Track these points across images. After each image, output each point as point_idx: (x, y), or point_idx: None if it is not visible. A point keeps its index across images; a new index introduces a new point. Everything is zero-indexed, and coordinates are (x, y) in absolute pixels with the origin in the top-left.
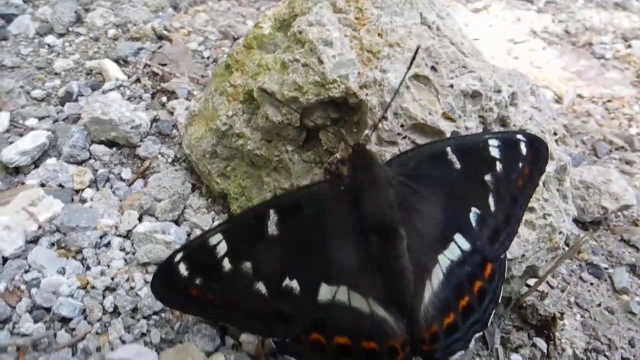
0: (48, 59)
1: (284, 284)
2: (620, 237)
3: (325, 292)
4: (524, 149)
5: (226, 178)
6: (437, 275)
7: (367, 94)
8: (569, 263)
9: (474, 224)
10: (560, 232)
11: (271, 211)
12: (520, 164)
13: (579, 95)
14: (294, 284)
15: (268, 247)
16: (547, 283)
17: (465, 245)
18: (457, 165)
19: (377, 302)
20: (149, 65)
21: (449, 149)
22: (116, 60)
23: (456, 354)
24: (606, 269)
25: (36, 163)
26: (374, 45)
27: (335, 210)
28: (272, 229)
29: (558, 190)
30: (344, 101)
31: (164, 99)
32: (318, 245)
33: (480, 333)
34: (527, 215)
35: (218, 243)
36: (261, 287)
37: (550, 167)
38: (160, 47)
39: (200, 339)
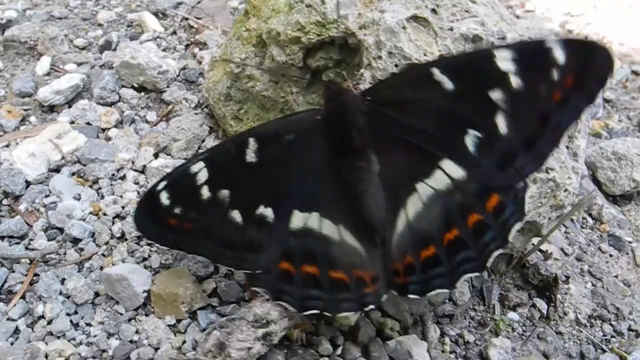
0: (93, 11)
1: (258, 212)
2: None
3: (297, 220)
4: (560, 55)
5: (239, 121)
6: (415, 204)
7: (364, 34)
8: (589, 233)
9: (471, 149)
10: (566, 190)
11: (251, 139)
12: (556, 74)
13: (634, 72)
14: (268, 212)
15: (246, 175)
16: (562, 250)
17: (457, 173)
18: (449, 86)
19: (348, 230)
20: (186, 19)
21: (435, 70)
22: (155, 13)
23: (435, 291)
24: (630, 242)
25: (70, 103)
26: None
27: (311, 139)
28: (251, 156)
29: (567, 147)
30: (345, 42)
31: (196, 50)
32: (294, 173)
33: (472, 275)
34: None
35: (199, 171)
36: (236, 215)
37: None
38: (199, 2)
39: (194, 264)
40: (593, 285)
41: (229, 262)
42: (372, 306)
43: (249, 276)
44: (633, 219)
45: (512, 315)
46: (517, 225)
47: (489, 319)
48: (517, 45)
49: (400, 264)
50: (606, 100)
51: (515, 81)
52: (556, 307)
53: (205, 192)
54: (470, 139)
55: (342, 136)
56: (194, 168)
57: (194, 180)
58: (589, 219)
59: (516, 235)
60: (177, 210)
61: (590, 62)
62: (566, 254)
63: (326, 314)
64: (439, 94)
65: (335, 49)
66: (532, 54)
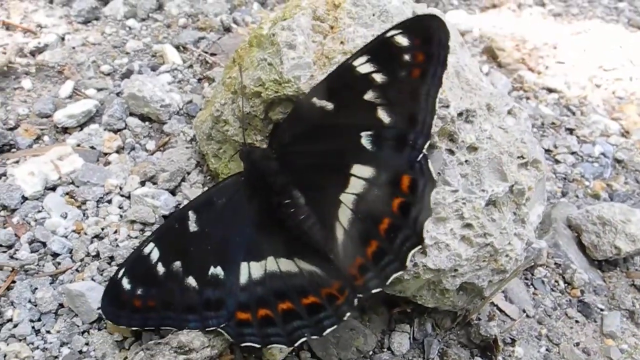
0: (124, 40)
1: (210, 273)
2: (632, 282)
3: (256, 269)
4: (403, 39)
5: (218, 159)
6: (345, 214)
7: None
8: (558, 296)
9: (369, 147)
10: (507, 255)
11: (190, 212)
12: (407, 56)
13: None
14: (218, 270)
15: (192, 243)
16: (524, 311)
17: (368, 172)
18: (329, 107)
19: (302, 259)
20: (205, 53)
21: (314, 99)
22: (177, 46)
23: (392, 276)
24: (601, 310)
25: (82, 126)
26: (331, 51)
27: (240, 197)
28: (192, 226)
29: (515, 213)
30: None
31: (206, 85)
32: (235, 230)
33: (414, 249)
34: (463, 231)
35: (151, 251)
36: (191, 281)
37: (499, 188)
38: (219, 38)
39: None
40: (547, 350)
41: (193, 325)
42: (349, 313)
43: (234, 336)
44: (612, 287)
45: None
46: (433, 192)
47: None
48: (366, 47)
49: (354, 268)
50: (617, 161)
51: (378, 77)
52: None
53: (161, 268)
54: (365, 140)
55: (264, 185)
56: (146, 250)
57: (149, 260)
58: (561, 283)
59: (459, 295)
60: (139, 292)
61: (428, 33)
62: (528, 316)
63: (314, 337)
64: (326, 116)
65: (292, 105)
66: (380, 49)
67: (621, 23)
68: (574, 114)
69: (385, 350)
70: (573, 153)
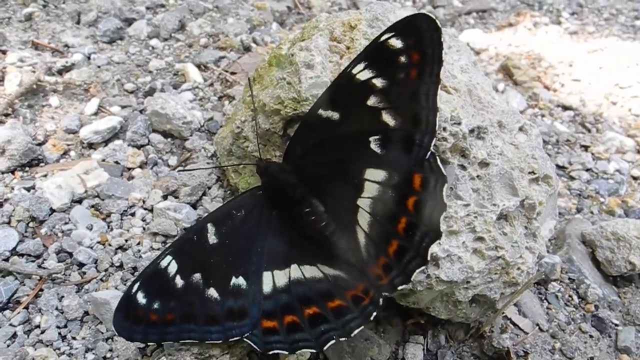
0: (147, 59)
1: (231, 284)
2: None
3: (279, 278)
4: (396, 41)
5: (238, 174)
6: (364, 217)
7: None
8: (572, 311)
9: (379, 151)
10: (519, 268)
11: (209, 224)
12: (403, 57)
13: None
14: (240, 281)
15: (212, 255)
16: (537, 325)
17: (380, 176)
18: (335, 116)
19: (326, 264)
20: (226, 71)
21: (320, 111)
22: (198, 65)
23: (415, 272)
24: (616, 325)
25: (106, 142)
26: None
27: (259, 209)
28: (212, 239)
29: (526, 227)
30: None
31: (226, 102)
32: (255, 241)
33: (434, 242)
34: (475, 244)
35: (168, 264)
36: (212, 292)
37: (510, 203)
38: (239, 57)
39: None
40: None
41: (216, 337)
42: (375, 313)
43: (261, 345)
44: (627, 302)
45: None
46: (445, 187)
47: None
48: (362, 53)
49: (378, 268)
50: (633, 177)
51: (378, 82)
52: None
53: (179, 281)
54: (374, 144)
55: (283, 197)
56: (163, 263)
57: (166, 273)
58: (575, 298)
59: (472, 307)
60: (156, 306)
61: (419, 32)
62: (541, 330)
63: (342, 339)
64: (334, 126)
65: None
66: (376, 54)
67: (638, 40)
68: (589, 131)
69: None
70: (588, 170)
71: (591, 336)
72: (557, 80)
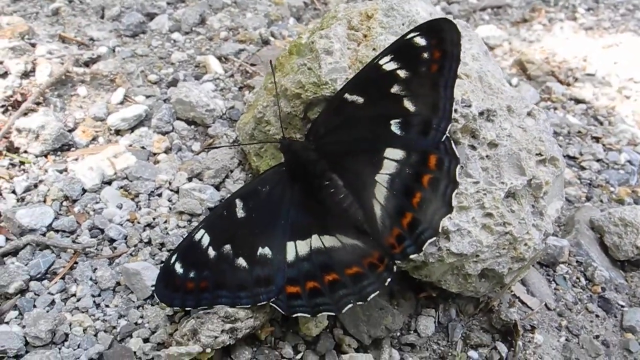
0: (169, 51)
1: (258, 253)
2: None
3: (302, 247)
4: (421, 40)
5: (260, 157)
6: (381, 192)
7: None
8: (579, 292)
9: (399, 133)
10: (526, 244)
11: (237, 200)
12: (426, 54)
13: None
14: (267, 251)
15: (240, 228)
16: (546, 305)
17: (399, 155)
18: (360, 100)
19: (344, 234)
20: (246, 63)
21: (346, 95)
22: (219, 57)
23: (427, 242)
24: (622, 306)
25: (132, 129)
26: (365, 57)
27: (282, 185)
28: (240, 213)
29: (533, 206)
30: None
31: (246, 92)
32: (279, 214)
33: (445, 217)
34: (484, 220)
35: (202, 237)
36: (242, 261)
37: (518, 182)
38: (258, 50)
39: None
40: (567, 340)
41: (245, 301)
42: (389, 279)
43: (285, 309)
44: (634, 285)
45: (472, 353)
46: (457, 168)
47: (449, 353)
48: (390, 48)
49: (392, 238)
50: None
51: (402, 73)
52: (515, 352)
53: (212, 252)
54: (395, 127)
55: (305, 172)
56: (197, 236)
57: (200, 245)
58: (582, 280)
59: (481, 282)
60: (191, 275)
61: (441, 33)
62: (549, 308)
63: (359, 303)
64: (358, 109)
65: None
66: (402, 49)
67: None
68: (601, 123)
69: (412, 332)
70: (599, 160)
71: (597, 316)
72: (571, 75)
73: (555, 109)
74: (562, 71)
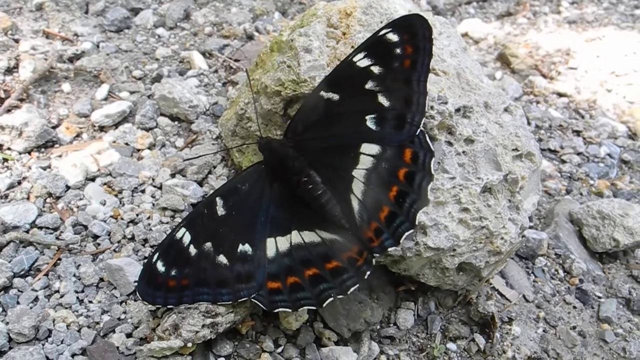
0: (154, 47)
1: (239, 250)
2: (630, 272)
3: (282, 243)
4: (393, 36)
5: (242, 153)
6: (358, 187)
7: None
8: (557, 284)
9: (374, 128)
10: (502, 238)
11: (217, 198)
12: (398, 49)
13: None
14: (247, 247)
15: (221, 225)
16: (524, 296)
17: (375, 149)
18: (335, 97)
19: (323, 229)
20: (230, 59)
21: (322, 92)
22: (203, 53)
23: (404, 235)
24: (599, 297)
25: (117, 125)
26: (343, 55)
27: (262, 182)
28: (220, 211)
29: (510, 200)
30: None
31: (230, 88)
32: (258, 211)
33: (420, 210)
34: (461, 215)
35: (183, 235)
36: (222, 258)
37: (494, 177)
38: (242, 45)
39: None
40: (544, 331)
41: (226, 298)
42: (368, 272)
43: (267, 304)
44: (611, 277)
45: (450, 345)
46: (433, 161)
47: (428, 345)
48: (363, 44)
49: (370, 232)
50: (623, 161)
51: (376, 69)
52: (493, 344)
53: (193, 250)
54: (370, 122)
55: (283, 169)
56: (178, 235)
57: (181, 243)
58: (561, 272)
59: (459, 275)
60: (173, 273)
61: (413, 29)
62: (527, 300)
63: (340, 296)
64: (334, 105)
65: None
66: (376, 45)
67: (637, 30)
68: (582, 117)
69: (392, 325)
70: (579, 154)
71: (575, 307)
72: (554, 69)
73: (537, 102)
74: (545, 65)
